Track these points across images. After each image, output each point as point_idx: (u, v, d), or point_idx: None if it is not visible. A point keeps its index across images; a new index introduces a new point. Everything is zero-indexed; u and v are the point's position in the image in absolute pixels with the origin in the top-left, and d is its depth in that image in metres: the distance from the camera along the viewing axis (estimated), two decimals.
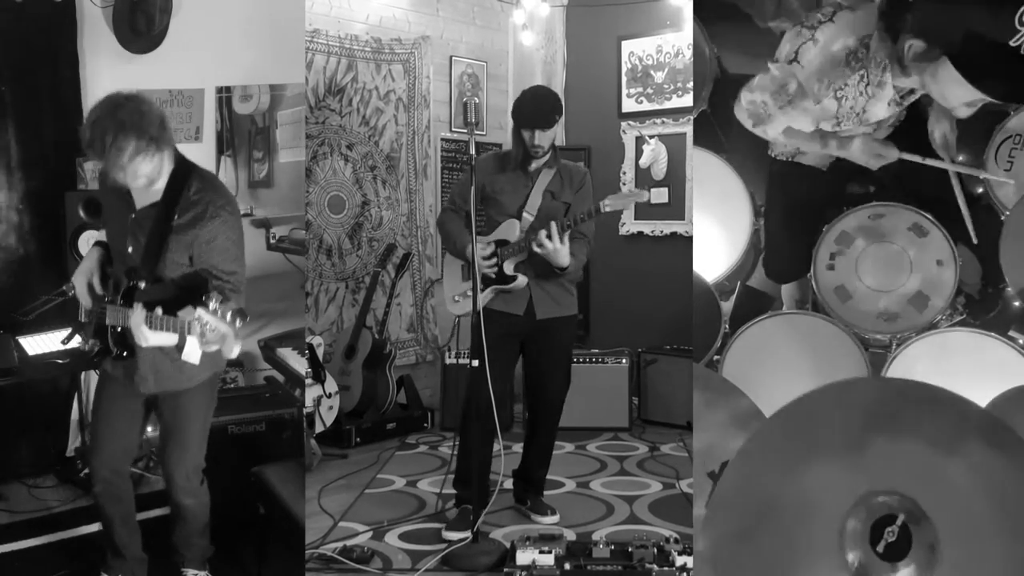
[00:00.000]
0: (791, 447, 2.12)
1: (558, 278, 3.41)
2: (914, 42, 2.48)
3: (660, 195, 5.48)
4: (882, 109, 2.70)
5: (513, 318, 3.39)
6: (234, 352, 2.34)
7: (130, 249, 2.63)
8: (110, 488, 2.81)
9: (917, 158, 2.84)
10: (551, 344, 3.48)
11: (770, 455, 2.14)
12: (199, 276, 2.57)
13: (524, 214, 3.39)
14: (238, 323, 2.31)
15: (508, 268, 3.39)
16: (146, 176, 2.51)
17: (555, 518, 3.52)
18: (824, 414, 2.14)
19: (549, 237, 3.20)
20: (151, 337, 2.48)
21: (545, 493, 3.68)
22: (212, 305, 2.30)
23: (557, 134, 3.53)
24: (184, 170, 2.63)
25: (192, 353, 2.55)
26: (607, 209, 3.25)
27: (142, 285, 2.57)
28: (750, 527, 2.08)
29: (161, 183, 2.60)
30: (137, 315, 2.47)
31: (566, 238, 3.24)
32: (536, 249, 3.25)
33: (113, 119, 2.42)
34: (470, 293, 3.38)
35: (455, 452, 3.53)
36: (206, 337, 2.31)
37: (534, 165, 3.43)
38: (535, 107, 3.37)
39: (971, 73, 2.39)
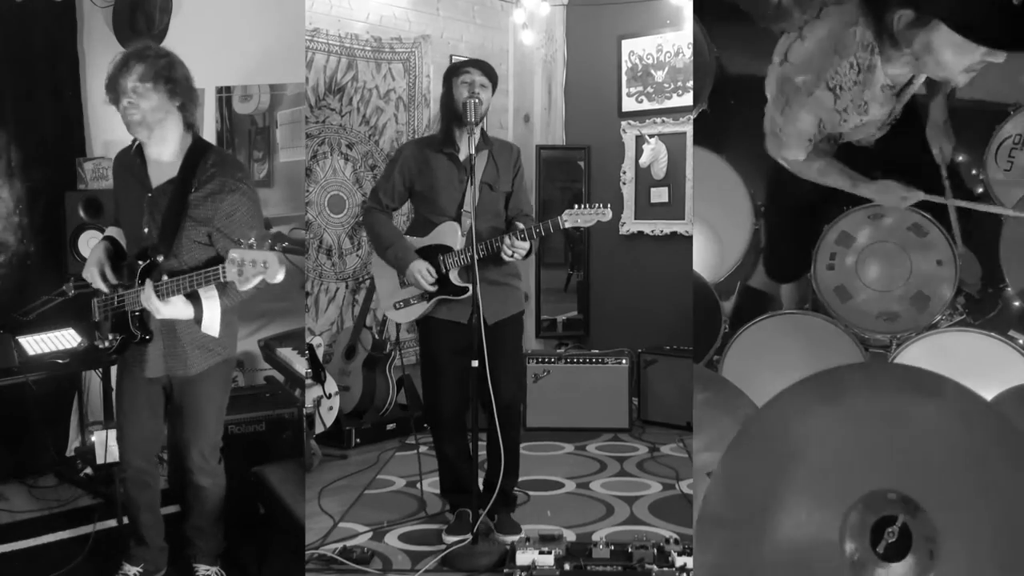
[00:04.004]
0: (781, 441, 2.12)
1: (501, 277, 3.26)
2: (903, 12, 2.45)
3: (660, 195, 5.49)
4: (877, 97, 2.68)
5: (461, 327, 3.13)
6: (279, 276, 2.35)
7: (146, 229, 2.64)
8: (139, 475, 2.85)
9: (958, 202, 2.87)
10: (504, 347, 3.24)
11: (763, 446, 2.14)
12: (217, 255, 2.60)
13: (463, 214, 3.16)
14: (275, 246, 2.35)
15: (454, 277, 3.19)
16: (143, 114, 2.53)
17: (519, 535, 3.23)
18: (815, 403, 2.14)
19: (514, 245, 3.07)
20: (163, 308, 2.52)
21: (543, 494, 3.66)
22: (245, 242, 2.33)
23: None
24: (201, 146, 2.67)
25: (212, 322, 2.57)
26: (566, 225, 3.05)
27: (160, 259, 2.58)
28: (746, 522, 2.08)
29: (169, 148, 2.63)
30: (147, 288, 2.50)
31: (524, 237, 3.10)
32: (508, 259, 3.11)
33: (140, 47, 2.56)
34: (413, 301, 3.27)
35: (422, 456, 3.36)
36: (244, 274, 2.33)
37: (464, 151, 3.13)
38: (476, 60, 3.23)
39: (968, 29, 2.31)
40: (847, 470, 2.05)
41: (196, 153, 2.64)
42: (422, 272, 3.18)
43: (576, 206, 3.07)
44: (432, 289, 3.20)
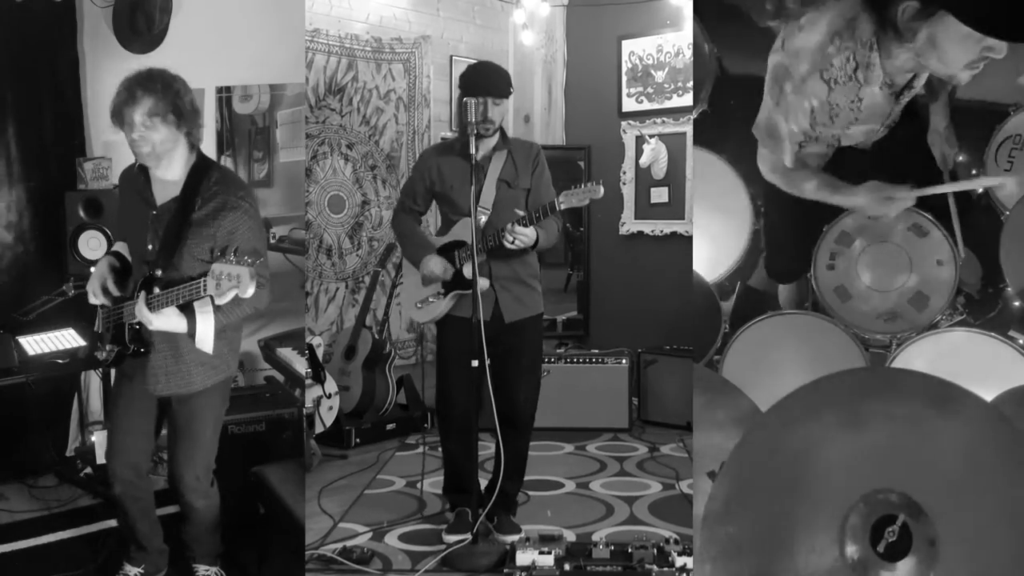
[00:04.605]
0: (788, 440, 2.12)
1: (522, 276, 3.28)
2: (908, 3, 2.44)
3: (660, 195, 5.49)
4: (876, 97, 2.67)
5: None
6: (249, 291, 2.36)
7: (150, 246, 2.65)
8: (130, 488, 2.84)
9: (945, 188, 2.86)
10: (520, 348, 3.28)
11: (768, 448, 2.14)
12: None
13: (479, 211, 3.17)
14: (249, 260, 2.35)
15: (468, 272, 3.16)
16: (152, 145, 2.54)
17: (518, 536, 3.21)
18: (819, 406, 2.14)
19: (514, 231, 3.07)
20: (154, 320, 2.53)
21: (543, 494, 3.66)
22: (226, 256, 2.36)
23: (507, 112, 3.29)
24: (204, 164, 2.68)
25: (205, 337, 2.57)
26: (562, 207, 3.08)
27: (158, 273, 2.58)
28: (750, 525, 2.08)
29: (175, 171, 2.64)
30: (140, 299, 2.51)
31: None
32: (510, 246, 3.11)
33: (145, 77, 2.53)
34: (432, 299, 3.29)
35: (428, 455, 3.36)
36: (221, 287, 2.35)
37: (482, 152, 3.16)
38: (488, 74, 3.20)
39: (976, 21, 2.31)
40: (850, 473, 2.05)
41: (199, 171, 2.65)
42: (434, 265, 3.23)
43: (572, 186, 3.09)
44: (447, 276, 3.23)
